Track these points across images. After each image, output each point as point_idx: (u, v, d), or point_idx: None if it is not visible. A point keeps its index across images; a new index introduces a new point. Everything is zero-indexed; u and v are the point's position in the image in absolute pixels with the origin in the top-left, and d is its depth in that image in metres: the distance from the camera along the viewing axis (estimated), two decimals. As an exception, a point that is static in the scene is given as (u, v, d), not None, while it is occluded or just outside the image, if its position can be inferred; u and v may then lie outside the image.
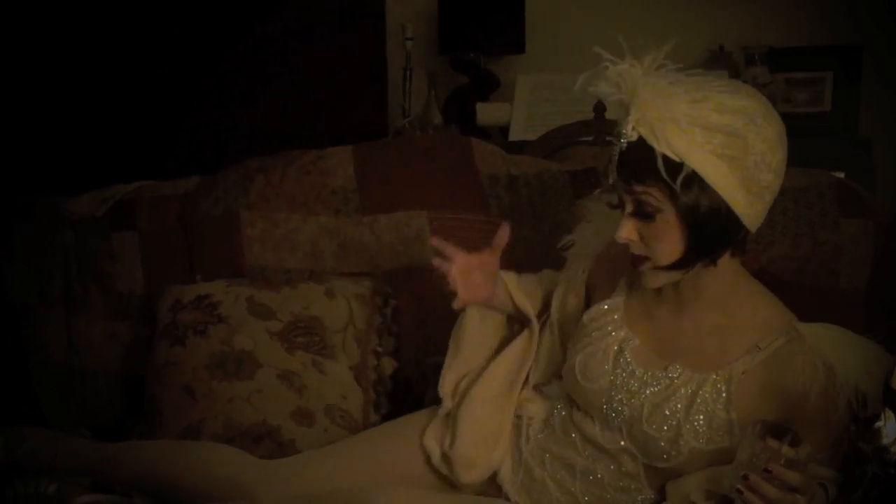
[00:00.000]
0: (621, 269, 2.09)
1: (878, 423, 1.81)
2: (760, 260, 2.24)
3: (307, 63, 3.22)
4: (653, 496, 2.02)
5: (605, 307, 2.09)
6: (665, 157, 1.82)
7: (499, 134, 3.23)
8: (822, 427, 1.90)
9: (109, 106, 3.13)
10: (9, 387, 2.57)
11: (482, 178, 2.61)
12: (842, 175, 2.62)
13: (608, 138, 1.91)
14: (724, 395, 1.94)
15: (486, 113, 3.28)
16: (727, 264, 1.94)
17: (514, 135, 3.19)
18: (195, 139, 3.13)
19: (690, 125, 1.82)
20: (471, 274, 2.09)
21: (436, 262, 2.08)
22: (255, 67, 3.18)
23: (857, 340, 1.93)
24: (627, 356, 2.03)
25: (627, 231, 1.89)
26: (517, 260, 2.24)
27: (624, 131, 1.85)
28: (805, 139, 2.99)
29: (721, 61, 3.14)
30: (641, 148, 1.84)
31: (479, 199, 2.59)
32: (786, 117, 3.08)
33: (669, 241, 1.88)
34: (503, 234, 2.10)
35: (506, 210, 2.56)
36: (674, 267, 1.91)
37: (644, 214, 1.88)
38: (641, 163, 1.84)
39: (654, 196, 1.86)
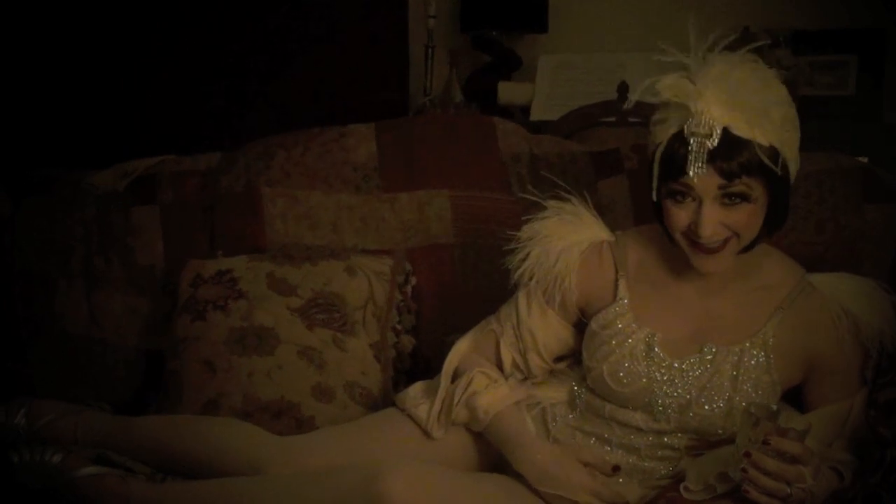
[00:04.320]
0: (608, 273, 2.10)
1: (901, 409, 1.83)
2: (783, 244, 2.23)
3: (329, 40, 3.23)
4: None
5: (614, 311, 2.08)
6: (759, 145, 1.85)
7: (520, 113, 3.23)
8: (848, 373, 2.01)
9: (134, 81, 3.15)
10: (28, 360, 2.58)
11: (504, 157, 2.60)
12: (865, 160, 2.60)
13: (690, 133, 1.86)
14: (763, 359, 2.00)
15: (508, 92, 3.28)
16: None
17: (536, 114, 3.19)
18: (218, 115, 3.14)
19: (770, 112, 1.86)
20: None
21: None
22: (278, 44, 3.19)
23: (869, 286, 2.03)
24: (658, 351, 2.03)
25: (714, 223, 1.89)
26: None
27: (708, 127, 1.85)
28: (828, 123, 3.00)
29: (745, 43, 3.12)
30: (731, 141, 1.85)
31: (500, 178, 2.58)
32: (809, 100, 3.09)
33: (756, 223, 1.92)
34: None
35: (527, 190, 2.56)
36: (748, 247, 1.96)
37: (734, 201, 1.88)
38: (737, 154, 1.85)
39: (746, 185, 1.87)
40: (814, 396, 2.03)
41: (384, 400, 2.38)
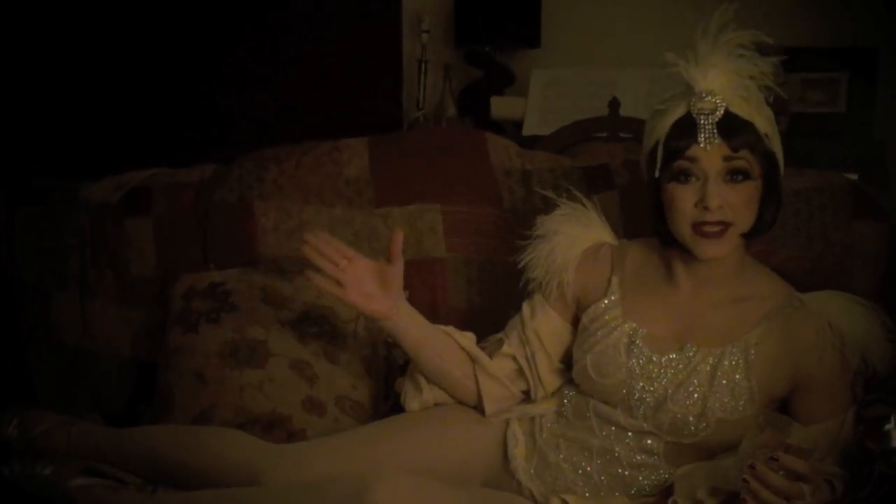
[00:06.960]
0: (604, 271, 2.17)
1: (888, 426, 1.84)
2: (773, 260, 2.25)
3: (323, 54, 3.24)
4: (668, 475, 2.05)
5: (603, 305, 2.15)
6: (757, 128, 1.98)
7: (512, 128, 3.24)
8: (835, 389, 2.02)
9: (127, 93, 3.16)
10: (21, 369, 2.58)
11: (496, 171, 2.61)
12: (855, 177, 2.62)
13: (697, 111, 1.97)
14: (742, 364, 2.02)
15: (501, 107, 3.29)
16: (741, 241, 2.04)
17: (528, 129, 3.20)
18: (211, 128, 3.15)
19: (763, 105, 2.00)
20: (362, 282, 2.16)
21: (310, 252, 2.16)
22: (271, 57, 3.20)
23: (858, 303, 2.05)
24: (640, 345, 2.08)
25: (720, 197, 1.97)
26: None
27: (713, 104, 1.96)
28: (819, 140, 3.02)
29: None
30: (734, 118, 1.97)
31: (492, 192, 2.59)
32: (800, 117, 3.11)
33: (754, 207, 2.01)
34: (397, 242, 2.16)
35: (519, 204, 2.57)
36: (748, 235, 2.03)
37: (736, 178, 1.97)
38: (741, 130, 1.97)
39: (748, 161, 1.97)
40: (800, 413, 2.03)
41: (374, 413, 2.39)
